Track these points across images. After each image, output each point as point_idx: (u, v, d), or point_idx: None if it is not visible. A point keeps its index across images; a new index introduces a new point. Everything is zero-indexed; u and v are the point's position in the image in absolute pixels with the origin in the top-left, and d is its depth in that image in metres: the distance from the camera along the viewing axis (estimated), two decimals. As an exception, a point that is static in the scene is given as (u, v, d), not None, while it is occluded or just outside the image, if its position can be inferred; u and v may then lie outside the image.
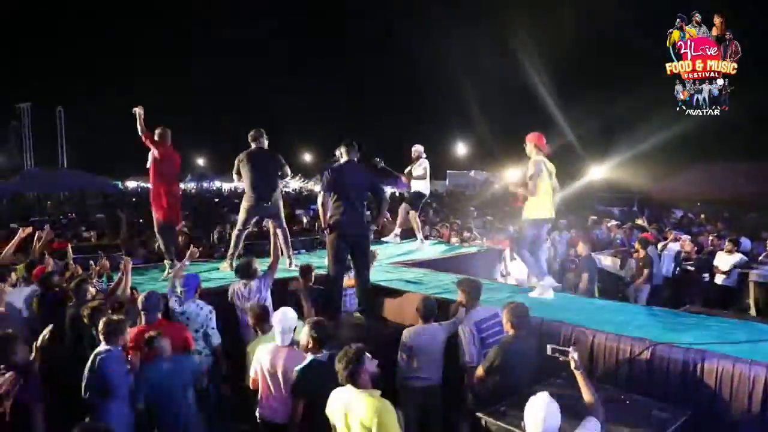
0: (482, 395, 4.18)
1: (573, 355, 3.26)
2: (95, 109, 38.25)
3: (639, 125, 22.65)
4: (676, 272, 9.58)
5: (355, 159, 5.86)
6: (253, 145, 6.82)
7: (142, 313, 4.68)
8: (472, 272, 7.16)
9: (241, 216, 6.92)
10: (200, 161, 51.71)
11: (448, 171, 35.20)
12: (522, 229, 6.10)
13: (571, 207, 18.89)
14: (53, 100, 31.06)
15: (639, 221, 13.08)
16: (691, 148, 22.87)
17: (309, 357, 3.86)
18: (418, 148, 8.76)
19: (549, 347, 3.37)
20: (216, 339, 5.01)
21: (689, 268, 9.22)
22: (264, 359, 4.09)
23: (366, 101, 41.21)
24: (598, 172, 25.34)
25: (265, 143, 6.86)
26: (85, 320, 4.46)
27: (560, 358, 3.30)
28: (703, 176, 20.87)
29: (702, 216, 15.57)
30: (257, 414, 4.15)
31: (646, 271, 8.60)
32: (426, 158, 8.79)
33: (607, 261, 9.71)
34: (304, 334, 3.93)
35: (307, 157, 48.47)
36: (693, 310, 6.01)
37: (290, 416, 3.83)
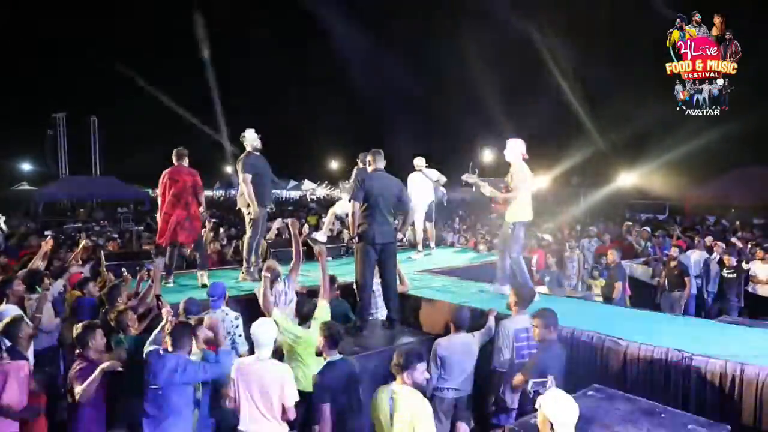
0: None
1: (552, 383, 3.15)
2: (128, 118, 39.08)
3: (670, 131, 22.20)
4: (714, 281, 9.35)
5: (382, 167, 5.84)
6: (251, 150, 6.84)
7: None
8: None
9: (250, 223, 6.92)
10: (228, 169, 52.28)
11: (475, 178, 34.90)
12: None
13: (597, 214, 18.52)
14: (87, 110, 31.88)
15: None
16: (725, 153, 22.33)
17: (324, 359, 3.98)
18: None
19: (530, 382, 3.22)
20: (242, 347, 4.99)
21: (727, 276, 8.96)
22: (240, 374, 3.87)
23: (390, 108, 41.10)
24: (628, 178, 24.88)
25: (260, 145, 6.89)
26: (113, 324, 4.64)
27: (541, 390, 3.11)
28: (737, 182, 20.23)
29: (737, 223, 15.17)
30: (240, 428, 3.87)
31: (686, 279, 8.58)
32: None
33: (638, 270, 9.51)
34: (317, 335, 4.08)
35: (334, 165, 48.68)
36: (730, 320, 5.85)
37: (320, 423, 3.84)
